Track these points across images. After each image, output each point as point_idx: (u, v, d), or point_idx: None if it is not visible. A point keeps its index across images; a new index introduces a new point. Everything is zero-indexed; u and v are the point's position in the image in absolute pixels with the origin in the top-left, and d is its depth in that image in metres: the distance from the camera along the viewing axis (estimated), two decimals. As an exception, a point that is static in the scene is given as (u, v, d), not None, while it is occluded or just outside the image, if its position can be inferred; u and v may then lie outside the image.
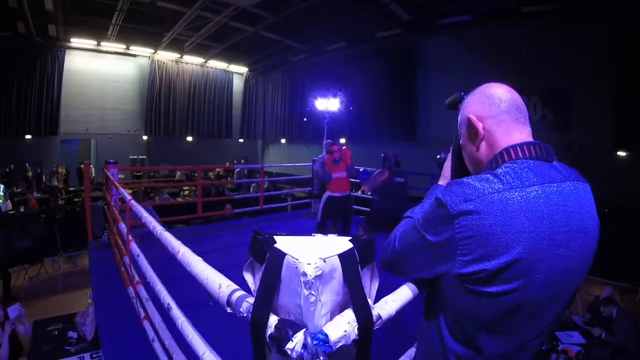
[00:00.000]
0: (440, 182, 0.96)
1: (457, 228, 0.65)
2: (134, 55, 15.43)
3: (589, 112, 8.64)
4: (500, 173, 0.68)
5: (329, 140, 5.95)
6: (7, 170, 11.51)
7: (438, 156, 1.03)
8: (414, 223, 0.76)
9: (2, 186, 10.17)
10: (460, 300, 0.73)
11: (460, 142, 0.87)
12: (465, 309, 0.73)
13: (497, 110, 0.76)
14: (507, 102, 0.76)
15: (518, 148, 0.72)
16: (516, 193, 0.64)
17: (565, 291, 0.71)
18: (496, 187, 0.65)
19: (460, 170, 0.91)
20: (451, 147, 0.97)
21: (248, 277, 0.79)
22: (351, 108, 11.61)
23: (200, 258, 1.11)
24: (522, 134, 0.75)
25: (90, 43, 13.83)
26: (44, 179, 13.10)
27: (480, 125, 0.77)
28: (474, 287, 0.67)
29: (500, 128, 0.76)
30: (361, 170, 4.54)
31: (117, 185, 3.32)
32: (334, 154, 4.54)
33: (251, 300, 0.73)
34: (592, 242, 0.72)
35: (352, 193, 4.78)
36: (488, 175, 0.68)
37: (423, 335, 0.89)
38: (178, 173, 15.06)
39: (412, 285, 1.03)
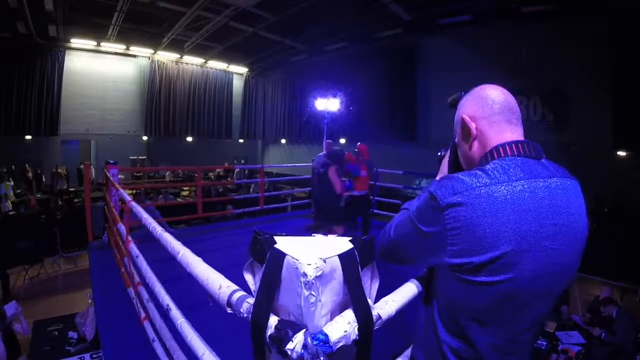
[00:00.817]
0: (438, 178, 0.99)
1: (446, 219, 0.69)
2: (134, 56, 15.43)
3: (589, 112, 8.64)
4: (489, 169, 0.71)
5: (329, 141, 6.03)
6: (5, 170, 11.52)
7: (439, 153, 1.07)
8: (409, 214, 0.79)
9: (10, 183, 10.30)
10: (452, 289, 0.75)
11: (455, 140, 0.90)
12: (456, 298, 0.75)
13: (489, 112, 0.79)
14: (500, 103, 0.79)
15: (507, 146, 0.75)
16: (502, 187, 0.68)
17: (555, 284, 0.72)
18: (483, 182, 0.69)
19: (455, 167, 0.94)
20: (450, 145, 1.00)
21: (248, 277, 0.79)
22: (351, 108, 11.61)
23: (200, 259, 1.11)
24: (513, 134, 0.78)
25: (90, 43, 13.83)
26: (44, 180, 13.11)
27: (473, 125, 0.81)
28: (464, 276, 0.70)
29: (492, 128, 0.79)
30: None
31: (117, 186, 3.32)
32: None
33: (251, 300, 0.73)
34: (581, 237, 0.73)
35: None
36: (477, 170, 0.72)
37: (419, 330, 0.91)
38: (167, 173, 15.04)
39: (412, 285, 1.03)
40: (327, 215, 4.17)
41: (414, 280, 1.05)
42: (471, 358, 0.76)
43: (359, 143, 4.92)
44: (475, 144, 0.81)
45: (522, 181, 0.69)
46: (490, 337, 0.74)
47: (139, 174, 15.17)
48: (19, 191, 11.28)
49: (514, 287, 0.68)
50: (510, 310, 0.71)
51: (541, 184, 0.70)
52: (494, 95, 0.80)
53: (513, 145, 0.75)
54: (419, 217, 0.75)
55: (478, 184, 0.68)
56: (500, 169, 0.71)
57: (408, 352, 1.11)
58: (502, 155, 0.75)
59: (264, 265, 0.68)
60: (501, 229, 0.66)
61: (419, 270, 1.07)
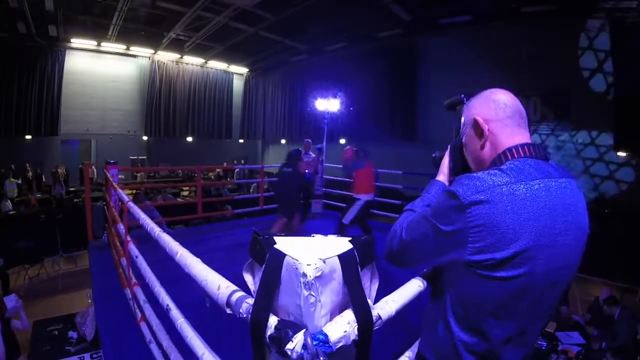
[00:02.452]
0: (439, 178, 1.02)
1: (469, 217, 0.71)
2: (134, 56, 15.42)
3: (589, 112, 8.64)
4: (506, 169, 0.75)
5: (308, 140, 6.35)
6: (2, 170, 11.58)
7: (433, 155, 1.09)
8: (423, 214, 0.81)
9: (16, 180, 10.42)
10: (469, 286, 0.77)
11: (463, 140, 0.92)
12: (473, 294, 0.77)
13: (502, 115, 0.83)
14: (512, 108, 0.83)
15: (519, 148, 0.80)
16: (522, 185, 0.71)
17: (563, 278, 0.76)
18: (504, 180, 0.72)
19: (460, 167, 0.96)
20: (449, 146, 1.02)
21: (248, 277, 0.78)
22: (351, 108, 11.61)
23: (199, 259, 1.11)
24: (523, 137, 0.82)
25: (90, 43, 13.81)
26: (44, 179, 13.12)
27: (486, 127, 0.84)
28: (482, 272, 0.73)
29: (504, 131, 0.83)
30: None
31: (115, 186, 3.31)
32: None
33: (251, 301, 0.73)
34: (584, 236, 0.78)
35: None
36: (495, 170, 0.76)
37: (427, 327, 0.92)
38: (139, 174, 14.96)
39: (413, 285, 1.03)
40: (286, 207, 4.58)
41: (417, 279, 1.05)
42: (485, 352, 0.79)
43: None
44: (487, 145, 0.85)
45: (538, 180, 0.73)
46: (504, 330, 0.77)
47: (139, 174, 15.18)
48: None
49: (529, 281, 0.71)
50: (525, 303, 0.74)
51: (554, 183, 0.75)
52: (506, 99, 0.84)
53: (525, 147, 0.80)
54: (437, 216, 0.77)
55: (499, 183, 0.71)
56: (517, 169, 0.75)
57: (409, 351, 1.11)
58: (516, 156, 0.79)
59: (264, 266, 0.68)
60: (522, 225, 0.69)
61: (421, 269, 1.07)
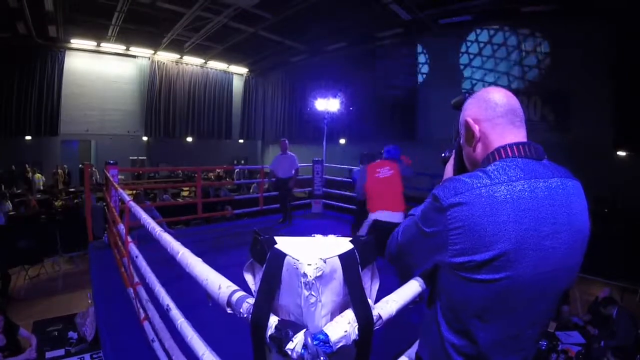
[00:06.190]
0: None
1: (448, 219, 0.71)
2: (134, 56, 15.40)
3: (589, 112, 8.64)
4: (489, 170, 0.73)
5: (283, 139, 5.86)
6: (27, 166, 11.72)
7: (442, 154, 1.08)
8: (414, 218, 0.82)
9: (42, 176, 10.59)
10: (454, 287, 0.77)
11: (461, 141, 0.91)
12: (459, 296, 0.76)
13: (493, 114, 0.81)
14: (504, 106, 0.80)
15: (508, 147, 0.77)
16: (503, 187, 0.70)
17: (555, 283, 0.74)
18: (484, 182, 0.71)
19: (461, 169, 0.95)
20: (454, 148, 1.01)
21: (248, 277, 0.78)
22: (351, 108, 11.62)
23: (200, 259, 1.11)
24: (516, 136, 0.79)
25: (90, 44, 13.80)
26: (44, 180, 13.10)
27: (476, 128, 0.82)
28: (465, 274, 0.72)
29: (495, 131, 0.80)
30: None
31: (116, 186, 3.32)
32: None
33: (251, 300, 0.73)
34: (582, 238, 0.75)
35: None
36: (478, 172, 0.74)
37: (424, 329, 0.93)
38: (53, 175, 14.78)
39: (414, 285, 1.03)
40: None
41: (417, 279, 1.05)
42: (473, 354, 0.77)
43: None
44: (479, 146, 0.83)
45: (522, 181, 0.71)
46: (491, 333, 0.75)
47: (138, 174, 15.16)
48: (19, 191, 11.29)
49: (513, 284, 0.69)
50: (510, 307, 0.72)
51: (541, 184, 0.72)
52: (497, 98, 0.81)
53: (514, 146, 0.77)
54: (422, 219, 0.78)
55: (479, 185, 0.70)
56: (501, 169, 0.72)
57: (410, 352, 1.11)
58: (504, 156, 0.76)
59: (264, 266, 0.68)
60: (502, 228, 0.67)
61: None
